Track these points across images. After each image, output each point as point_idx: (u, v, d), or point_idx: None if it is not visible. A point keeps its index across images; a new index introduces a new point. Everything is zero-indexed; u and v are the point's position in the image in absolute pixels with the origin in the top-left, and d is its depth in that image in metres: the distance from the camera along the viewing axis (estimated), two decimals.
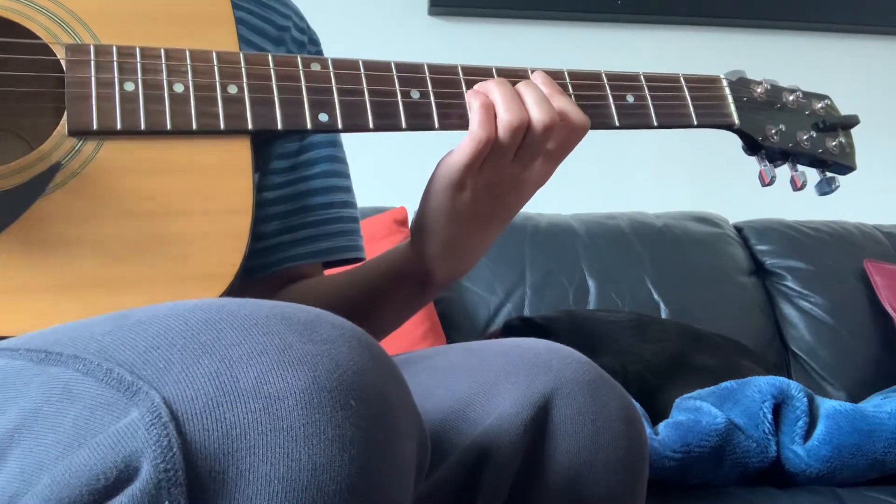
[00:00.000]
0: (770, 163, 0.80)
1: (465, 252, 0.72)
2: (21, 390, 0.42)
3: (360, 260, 0.84)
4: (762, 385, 1.13)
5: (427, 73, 0.68)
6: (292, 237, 0.80)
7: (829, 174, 0.81)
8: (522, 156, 0.67)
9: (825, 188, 0.80)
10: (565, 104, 0.68)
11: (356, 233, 0.85)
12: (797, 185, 0.80)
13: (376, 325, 0.77)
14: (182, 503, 0.36)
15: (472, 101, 0.66)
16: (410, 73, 0.67)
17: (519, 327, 1.42)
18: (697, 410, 1.11)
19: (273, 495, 0.37)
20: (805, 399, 1.12)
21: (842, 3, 2.13)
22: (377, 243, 1.54)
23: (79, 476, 0.36)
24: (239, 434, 0.37)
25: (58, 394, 0.40)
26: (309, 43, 0.84)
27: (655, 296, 1.65)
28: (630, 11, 2.05)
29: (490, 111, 0.65)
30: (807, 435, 1.10)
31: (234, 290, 0.60)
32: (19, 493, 0.38)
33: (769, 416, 1.09)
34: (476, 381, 0.60)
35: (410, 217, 1.70)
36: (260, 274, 0.79)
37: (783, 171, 0.81)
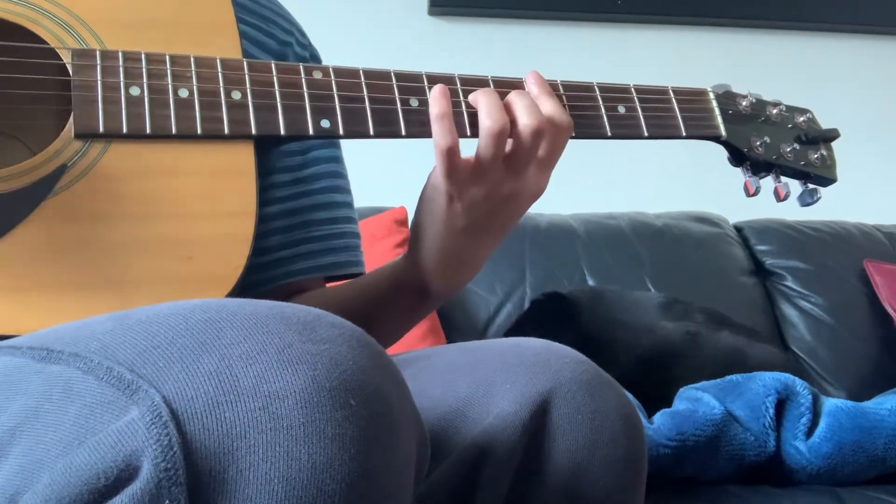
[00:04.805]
0: (755, 174, 0.82)
1: (461, 264, 0.72)
2: (22, 388, 0.42)
3: (362, 275, 0.84)
4: (767, 380, 1.13)
5: (426, 83, 0.68)
6: (295, 251, 0.80)
7: (811, 186, 0.84)
8: (514, 164, 0.67)
9: (807, 199, 0.83)
10: (552, 108, 0.68)
11: (358, 248, 0.85)
12: (780, 196, 0.82)
13: (377, 335, 0.77)
14: (182, 502, 0.37)
15: (430, 110, 0.66)
16: (409, 82, 0.68)
17: (547, 304, 1.42)
18: (697, 401, 1.11)
19: (273, 494, 0.37)
20: (810, 396, 1.12)
21: (842, 3, 2.13)
22: (377, 243, 1.55)
23: (79, 475, 0.37)
24: (239, 433, 0.38)
25: (58, 392, 0.40)
26: (310, 59, 0.84)
27: None
28: (630, 11, 2.05)
29: (447, 120, 0.65)
30: (809, 432, 1.10)
31: (238, 292, 0.60)
32: (20, 492, 0.38)
33: (771, 411, 1.09)
34: (475, 381, 0.60)
35: (410, 217, 1.70)
36: (263, 288, 0.79)
37: (767, 182, 0.83)
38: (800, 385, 1.13)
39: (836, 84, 2.12)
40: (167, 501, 0.36)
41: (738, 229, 1.85)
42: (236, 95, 0.63)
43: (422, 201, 0.70)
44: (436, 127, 0.65)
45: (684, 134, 0.77)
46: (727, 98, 0.81)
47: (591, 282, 1.66)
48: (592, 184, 1.95)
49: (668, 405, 1.14)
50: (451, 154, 0.65)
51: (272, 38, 0.80)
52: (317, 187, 0.82)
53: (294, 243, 0.80)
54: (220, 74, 0.63)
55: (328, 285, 0.85)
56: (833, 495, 1.08)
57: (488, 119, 0.65)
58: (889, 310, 1.62)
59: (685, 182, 2.05)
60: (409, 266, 0.73)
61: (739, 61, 2.08)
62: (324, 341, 0.41)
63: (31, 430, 0.40)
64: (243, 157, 0.63)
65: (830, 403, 1.14)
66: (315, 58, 0.86)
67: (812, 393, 1.13)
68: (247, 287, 0.61)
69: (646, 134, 0.75)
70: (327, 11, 1.94)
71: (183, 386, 0.38)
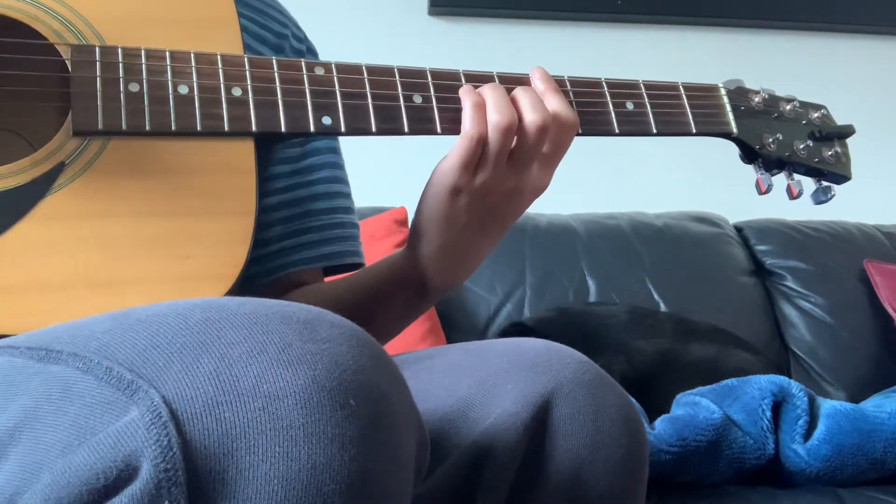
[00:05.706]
0: (767, 171, 0.81)
1: (460, 259, 0.72)
2: (21, 388, 0.42)
3: (361, 265, 0.84)
4: (762, 383, 1.13)
5: (429, 79, 0.68)
6: (295, 242, 0.80)
7: (825, 183, 0.82)
8: (518, 160, 0.67)
9: (821, 197, 0.81)
10: (558, 104, 0.68)
11: (357, 239, 0.85)
12: (793, 194, 0.80)
13: (375, 331, 0.77)
14: (182, 503, 0.36)
15: (464, 101, 0.66)
16: (413, 78, 0.68)
17: (513, 334, 1.42)
18: (696, 405, 1.11)
19: (273, 495, 0.37)
20: (805, 398, 1.12)
21: (842, 3, 2.13)
22: (377, 243, 1.54)
23: (78, 475, 0.36)
24: (239, 433, 0.37)
25: (58, 392, 0.40)
26: (307, 52, 0.84)
27: (655, 296, 1.65)
28: (630, 11, 2.05)
29: (481, 110, 0.65)
30: (807, 434, 1.10)
31: (237, 291, 0.60)
32: (19, 492, 0.38)
33: (768, 414, 1.09)
34: (476, 382, 0.60)
35: (410, 217, 1.70)
36: (263, 280, 0.79)
37: (780, 180, 0.81)
38: (795, 387, 1.13)
39: (836, 84, 2.12)
40: (166, 502, 0.36)
41: (738, 229, 1.85)
42: (237, 92, 0.63)
43: (425, 196, 0.70)
44: (470, 115, 0.65)
45: (694, 131, 0.75)
46: (739, 94, 0.79)
47: (590, 282, 1.66)
48: (592, 184, 1.95)
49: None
50: (479, 143, 0.65)
51: (268, 31, 0.80)
52: (316, 178, 0.82)
53: (294, 233, 0.80)
54: (220, 70, 0.63)
55: (326, 279, 0.85)
56: (834, 496, 1.08)
57: (496, 114, 0.65)
58: (889, 310, 1.62)
59: (685, 182, 2.05)
60: (409, 261, 0.73)
61: (739, 61, 2.08)
62: (324, 341, 0.41)
63: (30, 430, 0.40)
64: (243, 155, 0.63)
65: (829, 405, 1.14)
66: (312, 51, 0.86)
67: (808, 395, 1.13)
68: (246, 280, 0.61)
69: (654, 131, 0.74)
70: (327, 11, 1.94)
71: (182, 386, 0.38)
